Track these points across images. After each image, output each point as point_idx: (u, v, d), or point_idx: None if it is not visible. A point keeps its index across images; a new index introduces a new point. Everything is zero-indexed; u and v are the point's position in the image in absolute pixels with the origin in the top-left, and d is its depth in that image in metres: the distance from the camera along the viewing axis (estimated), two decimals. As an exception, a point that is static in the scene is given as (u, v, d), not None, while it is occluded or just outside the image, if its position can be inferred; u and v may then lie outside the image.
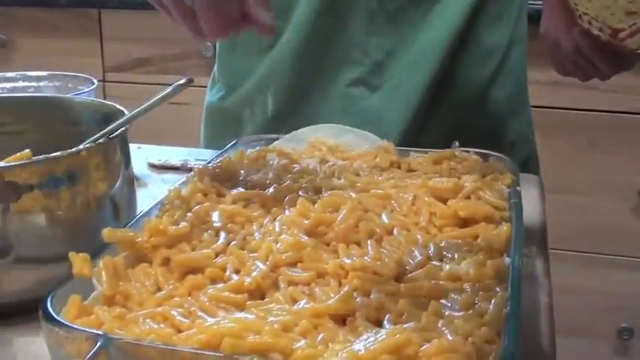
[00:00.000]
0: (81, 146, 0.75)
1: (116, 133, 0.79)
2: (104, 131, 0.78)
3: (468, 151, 0.93)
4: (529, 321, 0.74)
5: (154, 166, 1.17)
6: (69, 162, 0.73)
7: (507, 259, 0.67)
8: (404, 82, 1.16)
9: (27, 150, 0.76)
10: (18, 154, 0.76)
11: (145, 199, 0.86)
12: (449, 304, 0.61)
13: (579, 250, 2.35)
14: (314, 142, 0.97)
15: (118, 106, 0.85)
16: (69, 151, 0.73)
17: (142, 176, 1.13)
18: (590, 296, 2.35)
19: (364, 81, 1.18)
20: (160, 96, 0.80)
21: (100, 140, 0.77)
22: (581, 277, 2.32)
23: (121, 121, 0.79)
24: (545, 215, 0.99)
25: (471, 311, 0.59)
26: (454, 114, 1.19)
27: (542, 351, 0.70)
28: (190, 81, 0.81)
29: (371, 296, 0.63)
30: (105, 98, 2.57)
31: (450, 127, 1.18)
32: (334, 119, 1.08)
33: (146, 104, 0.80)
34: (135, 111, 0.80)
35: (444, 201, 0.80)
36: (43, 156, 0.72)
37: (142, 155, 1.20)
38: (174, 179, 1.02)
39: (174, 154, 1.21)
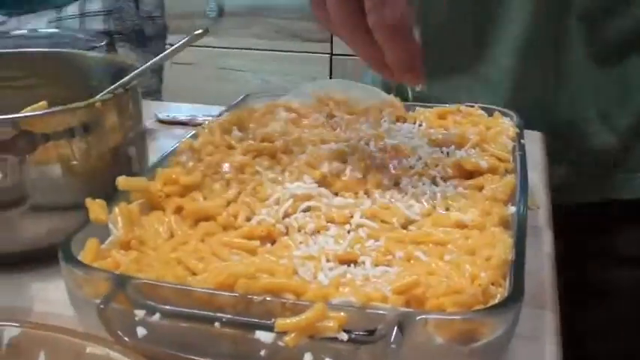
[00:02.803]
0: (96, 97, 0.76)
1: (129, 85, 0.80)
2: (119, 83, 0.80)
3: (472, 106, 0.95)
4: (533, 270, 0.76)
5: (162, 122, 1.19)
6: (84, 113, 0.75)
7: (512, 208, 0.69)
8: None
9: (43, 102, 0.78)
10: (34, 104, 0.77)
11: (154, 153, 0.88)
12: (455, 250, 0.63)
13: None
14: (321, 97, 0.99)
15: (130, 60, 0.86)
16: (85, 102, 0.74)
17: (151, 130, 1.14)
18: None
19: None
20: (176, 46, 0.81)
21: (115, 92, 0.79)
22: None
23: (134, 73, 0.80)
24: (549, 171, 1.00)
25: (476, 255, 0.61)
26: None
27: (547, 298, 0.72)
28: (206, 31, 0.82)
29: (379, 242, 0.65)
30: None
31: None
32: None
33: (159, 56, 0.81)
34: (148, 63, 0.81)
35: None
36: (59, 107, 0.73)
37: (150, 110, 1.21)
38: (183, 134, 1.03)
39: (181, 110, 1.22)
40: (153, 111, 1.22)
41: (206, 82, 2.50)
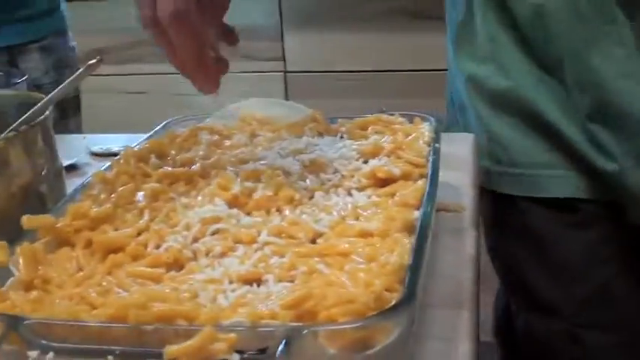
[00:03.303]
0: (-1, 137, 0.76)
1: (36, 120, 0.79)
2: (21, 119, 0.79)
3: (393, 114, 0.95)
4: (453, 272, 0.76)
5: (95, 155, 1.18)
6: (-13, 153, 0.74)
7: (417, 212, 0.69)
8: None
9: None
10: None
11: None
12: (358, 259, 0.63)
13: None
14: (244, 117, 0.98)
15: (39, 96, 0.86)
16: (-16, 142, 0.74)
17: (82, 165, 1.14)
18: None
19: None
20: (72, 78, 0.81)
21: (20, 129, 0.78)
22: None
23: (35, 107, 0.79)
24: (478, 172, 1.00)
25: (374, 263, 0.60)
26: None
27: (465, 302, 0.72)
28: (100, 60, 0.82)
29: (284, 258, 0.64)
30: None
31: None
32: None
33: (60, 87, 0.80)
34: (49, 95, 0.81)
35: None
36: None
37: (85, 144, 1.21)
38: (116, 166, 1.03)
39: (117, 141, 1.21)
40: (87, 144, 1.21)
41: (162, 110, 2.48)
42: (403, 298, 0.54)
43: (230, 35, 0.91)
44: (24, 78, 1.07)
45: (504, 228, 1.15)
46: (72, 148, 1.17)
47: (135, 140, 1.20)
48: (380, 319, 0.53)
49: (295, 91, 2.54)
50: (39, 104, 0.80)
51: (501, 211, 1.13)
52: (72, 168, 1.11)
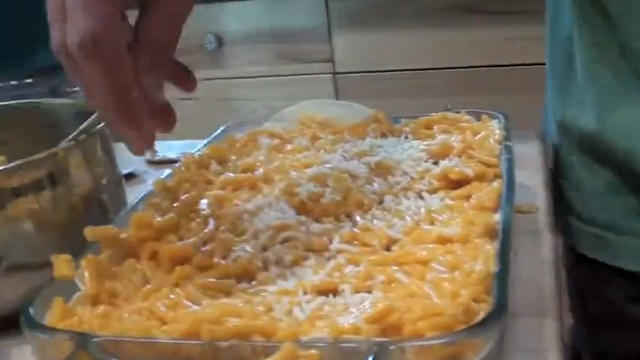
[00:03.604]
0: (58, 147, 0.73)
1: (95, 129, 0.77)
2: (80, 128, 0.77)
3: (458, 112, 0.92)
4: (532, 277, 0.72)
5: (152, 162, 1.16)
6: (48, 164, 0.72)
7: (497, 216, 0.65)
8: None
9: (1, 157, 0.75)
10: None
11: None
12: (439, 267, 0.60)
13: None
14: (302, 119, 0.95)
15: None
16: (46, 152, 0.72)
17: (140, 173, 1.12)
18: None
19: None
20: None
21: (79, 138, 0.76)
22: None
23: (94, 116, 0.77)
24: (550, 169, 0.96)
25: (458, 272, 0.57)
26: None
27: (548, 309, 0.68)
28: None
29: (359, 267, 0.62)
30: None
31: None
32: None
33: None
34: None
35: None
36: (20, 160, 0.71)
37: (139, 152, 1.19)
38: (173, 173, 1.01)
39: (172, 149, 1.19)
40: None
41: (212, 116, 2.47)
42: (494, 310, 0.51)
43: (184, 78, 0.71)
44: (77, 87, 1.06)
45: (585, 295, 1.01)
46: (127, 156, 1.15)
47: (189, 147, 1.18)
48: (470, 334, 0.50)
49: (345, 92, 2.51)
50: (95, 115, 0.77)
51: (582, 273, 0.99)
52: (130, 176, 1.09)
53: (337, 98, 2.53)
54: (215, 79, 2.52)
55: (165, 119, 0.68)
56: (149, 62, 0.64)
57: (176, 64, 0.69)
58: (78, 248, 0.67)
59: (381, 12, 2.34)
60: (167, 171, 1.09)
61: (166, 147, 1.21)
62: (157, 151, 1.12)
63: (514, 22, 2.20)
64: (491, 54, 2.26)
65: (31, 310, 0.59)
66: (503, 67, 2.25)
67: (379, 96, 2.39)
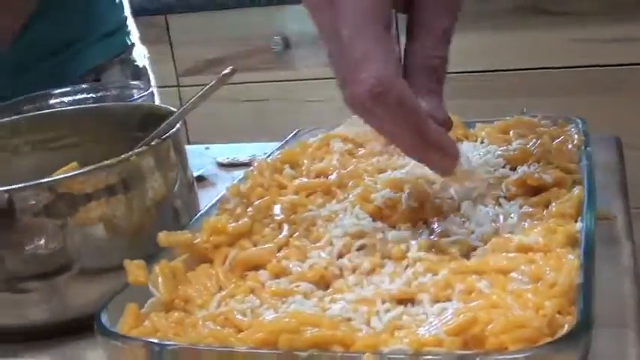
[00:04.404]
0: (131, 152, 0.73)
1: (167, 134, 0.77)
2: (153, 133, 0.77)
3: (535, 116, 0.90)
4: (611, 286, 0.70)
5: (222, 165, 1.16)
6: (121, 169, 0.72)
7: (579, 224, 0.64)
8: None
9: (74, 162, 0.75)
10: (64, 167, 0.75)
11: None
12: (520, 277, 0.58)
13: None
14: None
15: (169, 107, 0.83)
16: (119, 157, 0.72)
17: (210, 176, 1.12)
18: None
19: None
20: (205, 89, 0.77)
21: (151, 143, 0.76)
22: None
23: (168, 120, 0.77)
24: (626, 175, 0.94)
25: (540, 282, 0.56)
26: None
27: (628, 316, 0.66)
28: (234, 71, 0.78)
29: (438, 275, 0.60)
30: (181, 103, 2.58)
31: None
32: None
33: (192, 100, 0.78)
34: (181, 109, 0.78)
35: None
36: (93, 165, 0.71)
37: (210, 155, 1.19)
38: (243, 176, 1.01)
39: (243, 151, 1.19)
40: (212, 155, 1.19)
41: (281, 117, 2.47)
42: (581, 323, 0.50)
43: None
44: (148, 91, 1.06)
45: None
46: (196, 158, 1.15)
47: (259, 149, 1.18)
48: (558, 347, 0.48)
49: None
50: (171, 118, 0.77)
51: None
52: (200, 179, 1.09)
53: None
54: (282, 81, 2.52)
55: (449, 126, 0.67)
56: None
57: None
58: (150, 253, 0.67)
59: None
60: (237, 173, 1.09)
61: (236, 149, 1.20)
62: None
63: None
64: (554, 55, 2.23)
65: (104, 317, 0.58)
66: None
67: (446, 97, 2.36)
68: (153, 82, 1.58)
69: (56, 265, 0.71)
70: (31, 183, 0.69)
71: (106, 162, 0.71)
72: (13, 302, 0.72)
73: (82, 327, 0.71)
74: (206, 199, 0.86)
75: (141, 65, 1.59)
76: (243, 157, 1.15)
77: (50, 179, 0.71)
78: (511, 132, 0.87)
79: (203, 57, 2.58)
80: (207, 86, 0.77)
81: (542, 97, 2.22)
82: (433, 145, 0.63)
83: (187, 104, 0.78)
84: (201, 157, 1.17)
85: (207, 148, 1.23)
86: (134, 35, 1.59)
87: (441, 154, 0.64)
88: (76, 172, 0.71)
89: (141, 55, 1.61)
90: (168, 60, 2.60)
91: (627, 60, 2.18)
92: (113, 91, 1.13)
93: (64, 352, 0.72)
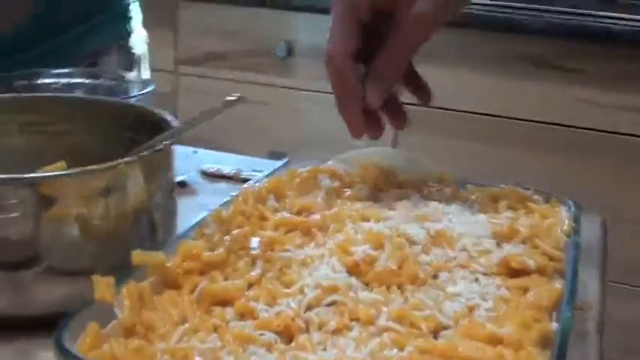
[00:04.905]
0: (121, 160, 0.72)
1: (159, 147, 0.76)
2: (146, 144, 0.76)
3: (528, 189, 0.89)
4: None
5: (206, 174, 1.14)
6: (107, 175, 0.71)
7: (555, 325, 0.63)
8: None
9: (62, 162, 0.74)
10: (52, 165, 0.74)
11: (193, 210, 0.85)
12: (486, 369, 0.57)
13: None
14: (365, 165, 0.93)
15: (165, 115, 0.82)
16: (107, 164, 0.70)
17: (193, 183, 1.10)
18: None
19: None
20: (207, 112, 0.77)
21: (142, 154, 0.74)
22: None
23: (162, 135, 0.76)
24: (606, 266, 0.93)
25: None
26: None
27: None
28: (240, 99, 0.77)
29: (404, 352, 0.59)
30: (177, 91, 2.56)
31: None
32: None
33: (192, 119, 0.77)
34: (179, 126, 0.77)
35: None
36: (78, 169, 0.69)
37: (196, 160, 1.17)
38: (226, 189, 0.99)
39: (229, 162, 1.17)
40: (198, 160, 1.17)
41: (279, 123, 2.46)
42: None
43: (422, 90, 0.95)
44: (145, 90, 1.04)
45: None
46: (181, 161, 1.14)
47: (246, 164, 1.17)
48: None
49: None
50: (166, 133, 0.76)
51: None
52: (182, 184, 1.07)
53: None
54: (283, 87, 2.51)
55: (397, 120, 0.94)
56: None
57: (415, 74, 0.93)
58: (121, 260, 0.66)
59: (448, 51, 2.29)
60: (220, 185, 1.08)
61: (223, 158, 1.19)
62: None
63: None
64: (555, 110, 2.22)
65: (65, 334, 0.57)
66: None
67: (437, 134, 2.35)
68: (148, 71, 1.56)
69: (24, 257, 0.70)
70: (14, 176, 0.68)
71: (93, 167, 0.69)
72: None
73: (41, 324, 0.70)
74: (185, 207, 0.85)
75: (138, 53, 1.57)
76: (227, 170, 1.14)
77: (35, 175, 0.70)
78: (501, 202, 0.86)
79: (204, 49, 2.56)
80: (210, 109, 0.76)
81: (543, 152, 2.21)
82: (344, 114, 0.90)
83: (185, 124, 0.77)
84: (186, 161, 1.16)
85: (195, 152, 1.21)
86: (136, 21, 1.58)
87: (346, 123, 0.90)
88: (61, 173, 0.71)
89: (140, 40, 1.60)
90: (170, 46, 2.58)
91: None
92: (108, 82, 1.12)
93: (17, 346, 0.70)
